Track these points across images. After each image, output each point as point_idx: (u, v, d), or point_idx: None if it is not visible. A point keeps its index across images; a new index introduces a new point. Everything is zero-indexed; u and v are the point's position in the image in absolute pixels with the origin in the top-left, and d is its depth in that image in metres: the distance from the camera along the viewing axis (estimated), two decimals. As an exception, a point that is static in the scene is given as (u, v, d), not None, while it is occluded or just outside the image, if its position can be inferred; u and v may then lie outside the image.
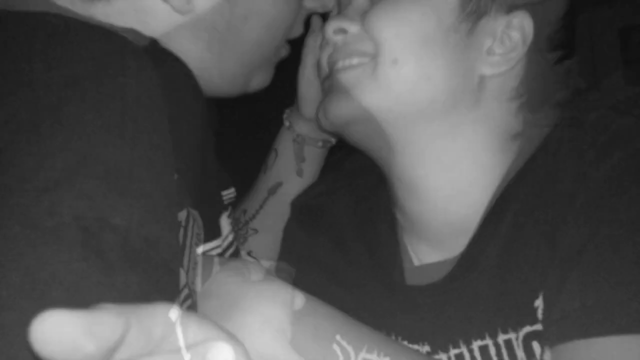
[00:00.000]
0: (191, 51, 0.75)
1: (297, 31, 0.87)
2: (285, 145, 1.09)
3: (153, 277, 0.52)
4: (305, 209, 1.01)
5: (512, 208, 0.82)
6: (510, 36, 0.82)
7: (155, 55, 0.63)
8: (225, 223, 0.77)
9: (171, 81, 0.62)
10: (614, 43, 2.64)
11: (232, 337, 0.41)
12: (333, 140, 1.09)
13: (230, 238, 0.79)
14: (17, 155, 0.54)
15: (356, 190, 1.00)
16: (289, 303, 0.68)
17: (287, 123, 1.09)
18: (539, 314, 0.78)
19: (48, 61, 0.59)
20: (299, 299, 0.69)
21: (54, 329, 0.31)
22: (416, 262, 0.91)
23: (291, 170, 1.09)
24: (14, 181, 0.53)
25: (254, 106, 1.24)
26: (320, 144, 1.08)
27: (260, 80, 0.86)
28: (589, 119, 0.78)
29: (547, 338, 0.69)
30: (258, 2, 0.78)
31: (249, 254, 1.02)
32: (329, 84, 0.86)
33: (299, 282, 0.92)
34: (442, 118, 0.82)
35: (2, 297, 0.48)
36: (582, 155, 0.76)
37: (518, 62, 0.83)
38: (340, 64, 0.85)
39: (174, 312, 0.37)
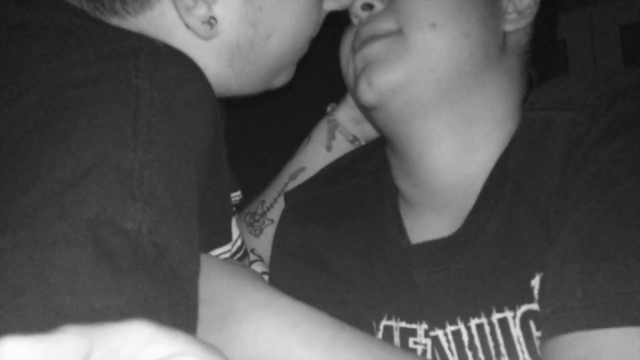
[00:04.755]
0: (210, 66, 0.73)
1: (316, 31, 0.86)
2: (318, 132, 1.09)
3: (161, 283, 0.51)
4: (299, 202, 1.01)
5: (509, 186, 0.83)
6: None
7: (168, 57, 0.62)
8: (234, 227, 0.76)
9: (184, 83, 0.61)
10: (615, 41, 2.64)
11: (210, 351, 0.39)
12: (362, 141, 1.08)
13: (239, 243, 0.78)
14: (29, 156, 0.53)
15: (349, 179, 1.00)
16: (282, 311, 0.67)
17: (329, 108, 1.09)
18: (535, 293, 0.78)
19: (61, 62, 0.58)
20: (293, 306, 0.68)
21: (12, 355, 0.30)
22: (414, 241, 0.91)
23: (318, 155, 1.08)
24: (25, 183, 0.52)
25: (259, 109, 1.22)
26: (351, 137, 1.08)
27: (282, 79, 0.85)
28: (585, 101, 0.78)
29: (547, 328, 0.68)
30: (280, 19, 0.76)
31: (252, 251, 1.01)
32: (362, 58, 0.87)
33: (294, 276, 0.92)
34: (475, 75, 0.86)
35: (11, 302, 0.47)
36: (580, 140, 0.76)
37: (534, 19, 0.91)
38: (366, 37, 0.87)
39: (144, 329, 0.36)
